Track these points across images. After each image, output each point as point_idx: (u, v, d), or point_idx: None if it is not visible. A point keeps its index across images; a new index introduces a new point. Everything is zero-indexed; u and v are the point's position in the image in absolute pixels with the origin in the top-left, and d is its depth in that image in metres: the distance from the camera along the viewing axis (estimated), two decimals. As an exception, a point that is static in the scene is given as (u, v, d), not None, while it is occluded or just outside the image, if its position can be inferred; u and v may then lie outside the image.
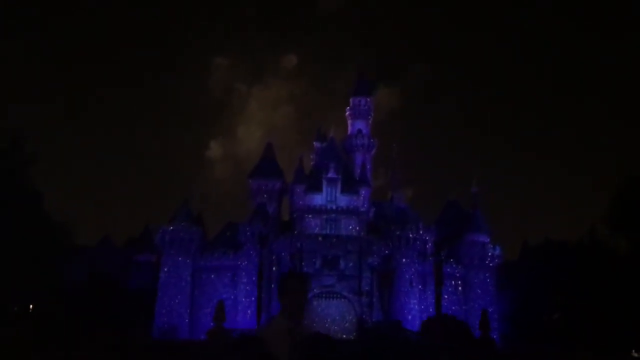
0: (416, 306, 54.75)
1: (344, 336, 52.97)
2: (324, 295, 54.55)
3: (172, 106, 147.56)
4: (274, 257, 55.00)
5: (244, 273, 55.59)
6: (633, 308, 42.23)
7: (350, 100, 67.05)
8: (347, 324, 54.19)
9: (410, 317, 53.99)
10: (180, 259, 55.97)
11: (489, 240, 59.27)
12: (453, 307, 57.27)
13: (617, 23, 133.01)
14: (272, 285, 54.52)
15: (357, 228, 57.49)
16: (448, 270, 57.94)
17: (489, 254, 57.94)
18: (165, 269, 55.98)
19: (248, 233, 55.93)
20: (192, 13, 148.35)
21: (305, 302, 5.69)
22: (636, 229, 36.22)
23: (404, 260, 55.38)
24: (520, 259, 62.32)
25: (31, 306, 53.08)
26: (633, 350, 49.12)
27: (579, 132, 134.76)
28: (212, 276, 56.71)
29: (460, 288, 58.15)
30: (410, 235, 55.71)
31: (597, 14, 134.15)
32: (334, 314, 54.38)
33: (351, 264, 54.82)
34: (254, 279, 55.24)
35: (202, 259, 56.88)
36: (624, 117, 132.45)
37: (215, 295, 55.07)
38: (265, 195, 60.40)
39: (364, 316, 53.33)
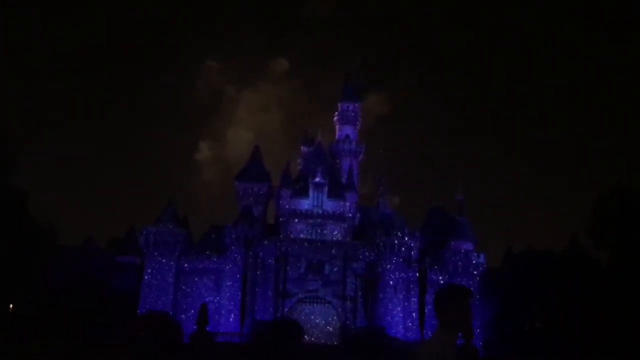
0: (400, 313, 54.91)
1: (327, 342, 53.06)
2: (307, 300, 54.64)
3: (162, 107, 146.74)
4: (258, 261, 54.92)
5: (228, 276, 55.45)
6: (613, 317, 42.75)
7: (338, 105, 67.24)
8: (330, 330, 54.27)
9: (393, 323, 54.16)
10: (164, 260, 55.67)
11: (473, 247, 59.63)
12: (436, 314, 57.51)
13: (617, 24, 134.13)
14: (256, 289, 54.47)
15: (343, 233, 57.63)
16: (432, 277, 58.17)
17: (473, 261, 58.28)
18: (149, 271, 55.64)
19: (233, 236, 55.83)
20: (183, 15, 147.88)
21: (471, 317, 5.47)
22: (616, 240, 36.72)
23: (388, 266, 55.55)
24: (503, 266, 62.75)
25: (11, 306, 52.49)
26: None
27: (566, 141, 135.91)
28: (196, 279, 56.46)
29: (443, 295, 58.35)
30: (395, 242, 55.90)
31: (597, 14, 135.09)
32: (318, 319, 54.44)
33: (336, 269, 54.94)
34: (238, 282, 55.15)
35: (186, 261, 56.61)
36: (614, 128, 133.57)
37: (198, 298, 54.71)
38: (251, 199, 60.29)
39: (347, 322, 53.42)
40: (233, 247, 55.74)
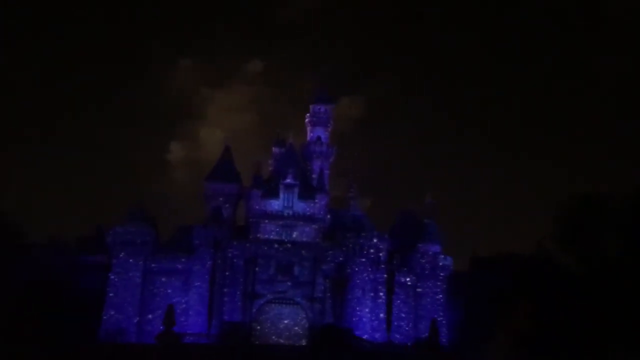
0: (368, 314, 55.35)
1: (295, 343, 53.24)
2: (276, 301, 54.72)
3: (134, 106, 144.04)
4: (227, 262, 54.78)
5: (196, 277, 55.08)
6: (576, 321, 43.73)
7: (310, 107, 67.36)
8: (299, 331, 54.46)
9: (361, 324, 54.58)
10: (131, 260, 55.15)
11: (440, 250, 60.40)
12: (403, 315, 58.18)
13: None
14: (225, 290, 54.31)
15: (313, 235, 57.86)
16: (400, 278, 58.79)
17: (440, 264, 59.07)
18: (116, 271, 55.04)
19: (202, 237, 55.53)
20: (158, 12, 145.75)
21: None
22: (581, 245, 37.77)
23: (357, 268, 55.96)
24: (470, 269, 63.63)
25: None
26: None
27: (533, 149, 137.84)
28: (164, 279, 55.96)
29: (411, 296, 59.05)
30: (365, 243, 56.36)
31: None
32: (286, 320, 54.58)
33: (305, 271, 55.16)
34: (206, 283, 54.81)
35: (154, 261, 56.12)
36: (582, 136, 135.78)
37: (166, 299, 54.54)
38: (221, 199, 59.97)
39: (315, 323, 53.66)
40: (202, 248, 55.41)
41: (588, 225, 37.97)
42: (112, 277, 54.88)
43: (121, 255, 55.07)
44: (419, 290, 58.97)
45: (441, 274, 59.10)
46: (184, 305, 54.59)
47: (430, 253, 59.33)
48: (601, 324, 34.52)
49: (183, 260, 55.98)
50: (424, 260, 59.04)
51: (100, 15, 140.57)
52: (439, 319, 55.13)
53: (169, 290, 55.86)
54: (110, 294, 54.29)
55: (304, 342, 53.48)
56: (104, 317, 53.52)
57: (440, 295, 58.91)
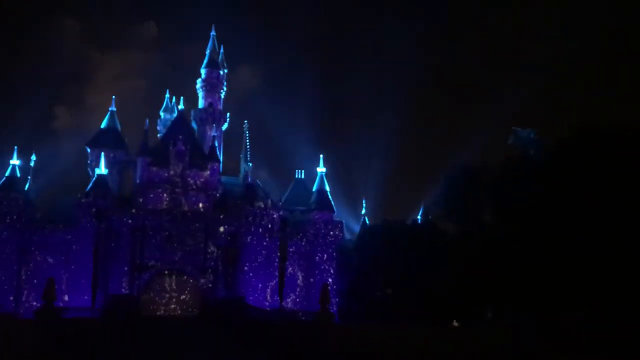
0: (260, 282, 55.24)
1: (186, 314, 52.31)
2: (166, 272, 53.23)
3: (14, 68, 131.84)
4: (113, 233, 52.30)
5: (78, 249, 52.05)
6: (455, 283, 46.34)
7: (203, 72, 65.02)
8: (190, 302, 53.49)
9: (254, 293, 54.43)
10: (5, 233, 51.20)
11: (332, 217, 61.13)
12: (295, 283, 58.71)
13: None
14: (111, 262, 51.93)
15: (204, 204, 56.56)
16: (293, 247, 59.03)
17: (332, 232, 59.77)
18: (-11, 243, 50.94)
19: (84, 206, 52.47)
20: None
21: None
22: (461, 214, 39.72)
23: (250, 236, 55.46)
24: (360, 237, 65.17)
25: None
26: (454, 321, 54.11)
27: (419, 119, 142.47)
28: (43, 252, 52.62)
29: (303, 264, 59.54)
30: (258, 212, 55.86)
31: None
32: (177, 291, 53.34)
33: (196, 241, 53.90)
34: (89, 255, 51.96)
35: (30, 233, 52.51)
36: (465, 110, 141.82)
37: (46, 273, 51.26)
38: (106, 167, 56.88)
39: (206, 293, 52.89)
40: (84, 218, 52.36)
41: (468, 194, 39.97)
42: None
43: (-6, 227, 50.96)
44: (311, 258, 59.49)
45: (333, 242, 59.88)
46: (66, 280, 51.76)
47: (323, 220, 59.88)
48: (473, 285, 36.75)
49: (63, 231, 52.78)
50: (316, 228, 59.52)
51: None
52: (330, 286, 56.09)
53: (49, 264, 52.74)
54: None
55: (195, 313, 52.61)
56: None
57: (332, 263, 59.79)
